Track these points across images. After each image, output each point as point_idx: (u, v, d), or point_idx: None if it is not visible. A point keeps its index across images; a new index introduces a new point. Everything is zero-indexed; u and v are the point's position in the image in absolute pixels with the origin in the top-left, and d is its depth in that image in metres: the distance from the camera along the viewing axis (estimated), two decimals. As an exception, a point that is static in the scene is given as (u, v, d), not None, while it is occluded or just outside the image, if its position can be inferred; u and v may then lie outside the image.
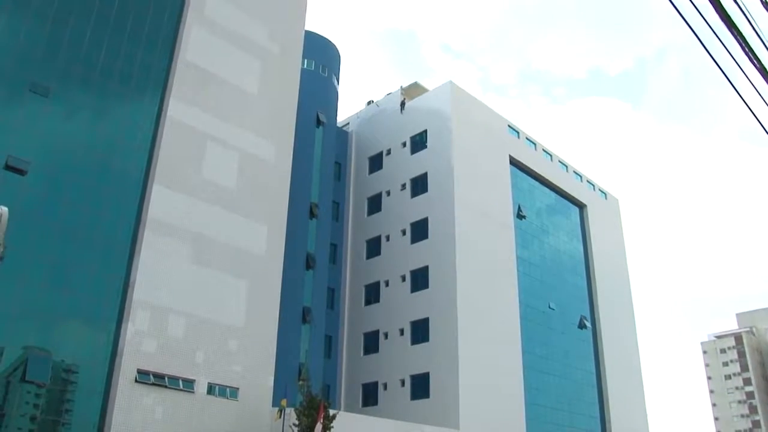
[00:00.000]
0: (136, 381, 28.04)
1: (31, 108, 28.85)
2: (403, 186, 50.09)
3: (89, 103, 31.53)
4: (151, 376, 28.58)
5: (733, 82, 8.59)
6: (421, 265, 46.23)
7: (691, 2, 6.99)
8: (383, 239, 49.60)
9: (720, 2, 7.03)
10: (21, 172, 27.30)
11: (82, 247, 29.04)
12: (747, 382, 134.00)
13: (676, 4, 7.13)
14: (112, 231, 30.06)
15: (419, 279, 46.12)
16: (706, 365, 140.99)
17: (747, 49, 7.76)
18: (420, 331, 44.55)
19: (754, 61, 7.92)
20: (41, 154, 28.55)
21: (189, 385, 29.77)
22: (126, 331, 28.40)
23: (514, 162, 54.87)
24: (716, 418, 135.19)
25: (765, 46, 8.10)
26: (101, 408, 27.46)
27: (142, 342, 28.73)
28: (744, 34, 7.59)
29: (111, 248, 29.78)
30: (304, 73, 44.38)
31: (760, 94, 8.55)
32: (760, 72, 8.09)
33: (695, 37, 7.51)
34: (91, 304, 28.75)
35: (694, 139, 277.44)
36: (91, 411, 27.41)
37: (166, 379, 29.06)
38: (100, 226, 29.80)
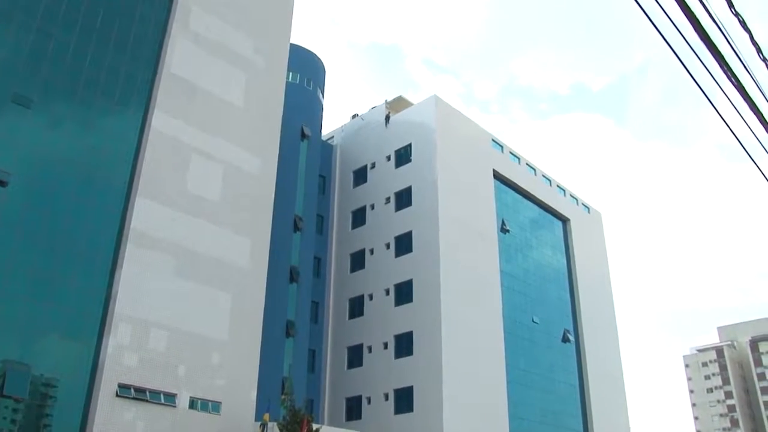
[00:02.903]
0: (116, 395, 27.71)
1: (13, 119, 28.63)
2: (388, 200, 50.18)
3: (72, 115, 31.34)
4: (133, 390, 28.27)
5: (711, 99, 8.74)
6: (405, 279, 46.24)
7: (671, 21, 7.12)
8: (367, 253, 49.59)
9: (698, 21, 7.16)
10: (2, 183, 27.03)
11: (64, 259, 28.76)
12: (729, 395, 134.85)
13: (655, 23, 7.26)
14: (94, 243, 29.81)
15: (403, 293, 46.11)
16: (689, 379, 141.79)
17: (725, 67, 7.90)
18: (404, 344, 44.49)
19: (732, 79, 8.06)
20: (23, 166, 28.29)
21: (171, 399, 29.48)
22: (107, 345, 28.10)
23: (497, 176, 55.16)
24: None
25: (742, 63, 8.25)
26: (81, 423, 27.09)
27: (123, 355, 28.44)
28: (722, 51, 7.74)
29: (93, 261, 29.52)
30: (289, 87, 44.46)
31: (737, 111, 8.70)
32: (737, 89, 8.23)
33: (674, 55, 7.64)
34: (72, 317, 28.43)
35: (675, 154, 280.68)
36: (71, 426, 27.02)
37: (148, 393, 28.76)
38: (82, 238, 29.53)
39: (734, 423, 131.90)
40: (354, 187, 53.32)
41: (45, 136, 30.00)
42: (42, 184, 29.13)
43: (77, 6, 32.02)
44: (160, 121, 33.10)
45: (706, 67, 7.77)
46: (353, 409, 45.31)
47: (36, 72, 29.96)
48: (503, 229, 53.54)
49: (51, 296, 28.17)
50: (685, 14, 6.94)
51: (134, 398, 28.21)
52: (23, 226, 27.86)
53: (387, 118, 53.46)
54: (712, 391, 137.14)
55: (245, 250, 34.97)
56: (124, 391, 28.01)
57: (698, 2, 6.97)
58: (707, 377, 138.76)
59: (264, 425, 30.27)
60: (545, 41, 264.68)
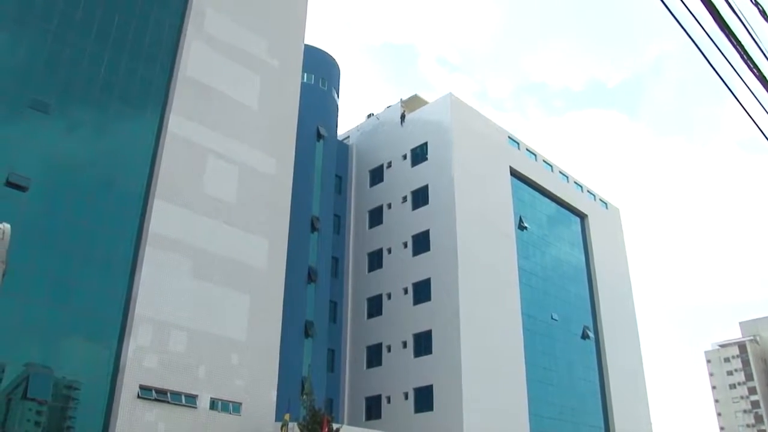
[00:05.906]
0: (138, 397, 27.92)
1: (31, 125, 28.93)
2: (404, 198, 50.10)
3: (90, 119, 31.61)
4: (154, 392, 28.46)
5: (731, 90, 8.60)
6: (423, 278, 46.13)
7: (690, 12, 7.01)
8: (385, 252, 49.54)
9: (718, 11, 7.05)
10: (22, 188, 27.34)
11: (84, 262, 29.03)
12: (752, 391, 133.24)
13: (674, 14, 7.15)
14: (114, 246, 30.06)
15: (421, 291, 46.00)
16: (710, 374, 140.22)
17: (745, 57, 7.77)
18: (423, 343, 44.39)
19: (753, 69, 7.93)
20: (42, 171, 28.60)
21: (191, 400, 29.64)
22: (128, 347, 28.32)
23: (514, 173, 54.89)
24: (722, 428, 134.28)
25: (763, 53, 8.11)
26: (103, 425, 27.33)
27: (144, 357, 28.64)
28: (742, 42, 7.61)
29: (112, 263, 29.77)
30: (304, 87, 44.50)
31: (759, 101, 8.56)
32: (759, 79, 8.10)
33: (694, 45, 7.52)
34: (93, 320, 28.69)
35: (693, 148, 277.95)
36: (94, 428, 27.27)
37: (169, 394, 28.94)
38: (102, 241, 29.80)
39: (758, 419, 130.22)
40: (370, 187, 53.30)
41: (63, 141, 30.31)
42: (61, 188, 29.44)
43: (93, 11, 32.30)
44: (176, 123, 33.30)
45: (725, 57, 7.65)
46: (373, 408, 45.30)
47: (53, 78, 30.26)
48: (521, 226, 53.28)
49: (71, 299, 28.46)
50: (703, 3, 6.83)
51: (155, 399, 28.40)
52: (43, 230, 28.14)
53: (402, 116, 53.37)
54: (735, 387, 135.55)
55: (263, 251, 35.08)
56: (146, 392, 28.21)
57: (717, -9, 6.86)
58: (730, 373, 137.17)
59: (285, 425, 30.32)
60: (558, 38, 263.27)
